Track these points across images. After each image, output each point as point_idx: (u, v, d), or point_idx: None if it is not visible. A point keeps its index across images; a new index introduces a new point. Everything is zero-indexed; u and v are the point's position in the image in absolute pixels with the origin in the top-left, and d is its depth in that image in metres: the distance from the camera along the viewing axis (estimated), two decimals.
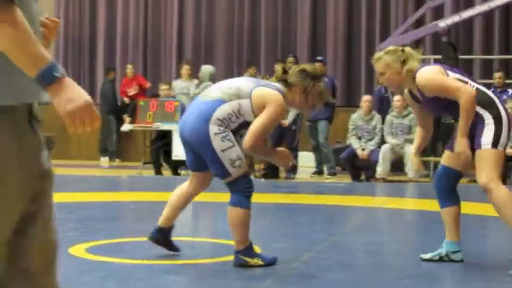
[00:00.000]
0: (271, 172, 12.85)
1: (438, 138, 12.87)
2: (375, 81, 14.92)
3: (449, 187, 5.53)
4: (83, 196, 10.05)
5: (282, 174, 13.07)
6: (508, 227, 5.27)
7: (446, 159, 5.56)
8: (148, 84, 16.73)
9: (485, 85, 5.91)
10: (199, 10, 17.79)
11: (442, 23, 13.76)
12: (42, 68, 2.16)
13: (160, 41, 17.98)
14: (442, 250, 5.53)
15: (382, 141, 12.72)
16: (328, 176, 13.21)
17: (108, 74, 17.09)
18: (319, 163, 13.71)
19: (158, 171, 13.43)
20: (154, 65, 17.95)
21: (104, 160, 16.88)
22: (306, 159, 14.26)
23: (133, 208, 9.34)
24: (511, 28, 16.38)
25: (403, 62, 5.42)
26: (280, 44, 17.35)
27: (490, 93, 5.45)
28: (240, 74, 14.64)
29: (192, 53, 17.58)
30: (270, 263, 5.39)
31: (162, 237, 5.64)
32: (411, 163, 5.91)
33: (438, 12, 15.48)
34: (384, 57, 5.46)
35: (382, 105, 13.61)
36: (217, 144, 5.22)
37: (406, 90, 5.67)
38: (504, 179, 11.79)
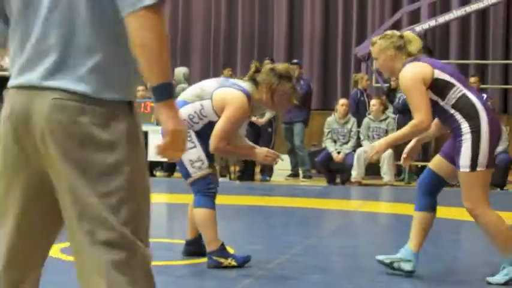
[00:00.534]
0: (246, 174, 12.86)
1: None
2: (351, 85, 14.96)
3: (429, 190, 5.26)
4: None
5: (257, 176, 13.08)
6: (480, 231, 5.24)
7: (434, 163, 5.33)
8: None
9: None
10: (176, 13, 17.76)
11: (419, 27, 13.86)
12: (166, 81, 2.21)
13: None
14: (397, 255, 5.33)
15: (358, 145, 12.74)
16: (304, 179, 13.21)
17: None
18: (295, 166, 13.71)
19: None
20: None
21: None
22: (282, 162, 14.19)
23: None
24: (487, 33, 16.51)
25: (399, 48, 5.18)
26: (257, 46, 17.36)
27: (475, 101, 5.06)
28: (216, 76, 14.62)
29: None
30: (243, 262, 5.42)
31: (193, 248, 5.77)
32: (367, 148, 5.36)
33: (414, 17, 15.57)
34: (378, 42, 5.24)
35: (359, 109, 13.64)
36: None
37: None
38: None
